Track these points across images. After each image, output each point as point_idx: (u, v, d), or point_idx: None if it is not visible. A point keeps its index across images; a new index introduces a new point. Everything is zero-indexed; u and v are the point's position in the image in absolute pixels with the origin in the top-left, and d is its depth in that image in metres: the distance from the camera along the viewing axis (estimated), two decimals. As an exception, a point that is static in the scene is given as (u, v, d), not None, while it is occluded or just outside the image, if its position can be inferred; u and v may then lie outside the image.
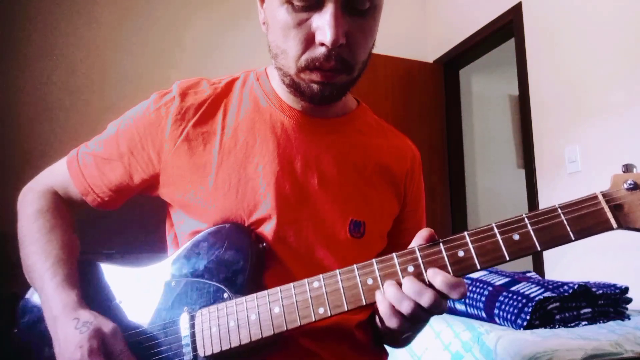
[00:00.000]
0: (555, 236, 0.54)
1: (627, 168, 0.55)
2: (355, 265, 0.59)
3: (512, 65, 2.74)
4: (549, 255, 2.37)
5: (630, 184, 0.53)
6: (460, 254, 0.56)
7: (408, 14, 3.47)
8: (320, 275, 0.60)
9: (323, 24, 0.62)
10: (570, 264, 2.23)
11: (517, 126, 3.61)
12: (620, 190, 0.54)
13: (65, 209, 0.82)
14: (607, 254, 2.04)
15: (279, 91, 0.77)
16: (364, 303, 0.58)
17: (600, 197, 0.54)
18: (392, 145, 0.84)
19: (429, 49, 3.47)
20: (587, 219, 0.53)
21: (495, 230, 0.56)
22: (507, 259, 0.55)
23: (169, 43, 2.91)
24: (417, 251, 0.57)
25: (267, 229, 0.72)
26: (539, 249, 0.54)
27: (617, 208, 0.53)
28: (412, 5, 3.51)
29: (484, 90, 3.76)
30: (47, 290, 0.70)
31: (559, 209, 0.54)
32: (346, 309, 0.58)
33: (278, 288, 0.62)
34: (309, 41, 0.65)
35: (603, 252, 2.06)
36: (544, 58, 2.48)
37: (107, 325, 0.66)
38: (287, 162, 0.74)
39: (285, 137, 0.75)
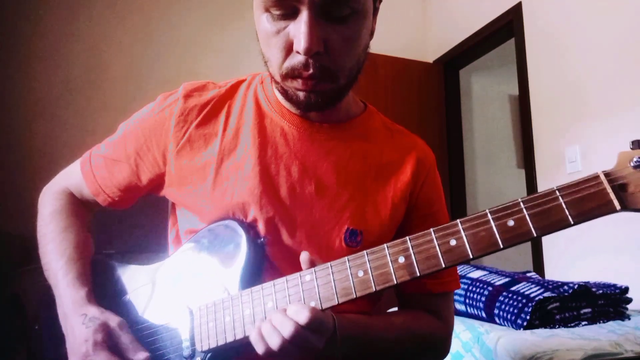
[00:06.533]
0: (553, 221, 0.50)
1: (636, 144, 0.50)
2: (346, 257, 0.59)
3: (512, 65, 2.74)
4: (549, 255, 2.37)
5: (637, 161, 0.48)
6: (452, 242, 0.54)
7: (408, 14, 3.47)
8: (313, 268, 0.60)
9: (298, 32, 0.62)
10: (571, 264, 2.23)
11: (517, 126, 3.60)
12: (625, 168, 0.49)
13: (80, 209, 0.85)
14: (607, 254, 2.04)
15: (280, 96, 0.76)
16: (355, 296, 0.57)
17: (602, 177, 0.49)
18: (397, 148, 0.82)
19: (429, 49, 3.47)
20: (587, 201, 0.49)
21: (489, 216, 0.53)
22: (501, 246, 0.52)
23: (169, 43, 2.91)
24: (409, 241, 0.56)
25: (262, 232, 0.72)
26: (535, 235, 0.51)
27: (622, 188, 0.48)
28: (412, 5, 3.52)
29: (484, 90, 3.76)
30: (60, 287, 0.73)
31: (557, 192, 0.51)
32: (337, 302, 0.58)
33: (272, 282, 0.62)
34: (289, 49, 0.65)
35: (603, 252, 2.06)
36: (544, 58, 2.48)
37: (114, 320, 0.68)
38: (285, 167, 0.74)
39: (284, 142, 0.75)
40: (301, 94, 0.67)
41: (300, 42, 0.61)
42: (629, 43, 2.02)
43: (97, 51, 2.78)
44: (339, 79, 0.68)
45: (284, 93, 0.70)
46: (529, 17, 2.59)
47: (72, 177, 0.85)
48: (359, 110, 0.83)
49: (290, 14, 0.63)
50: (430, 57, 3.44)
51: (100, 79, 2.76)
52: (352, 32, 0.66)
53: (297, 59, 0.64)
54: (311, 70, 0.64)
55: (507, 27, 2.76)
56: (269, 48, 0.66)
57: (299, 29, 0.62)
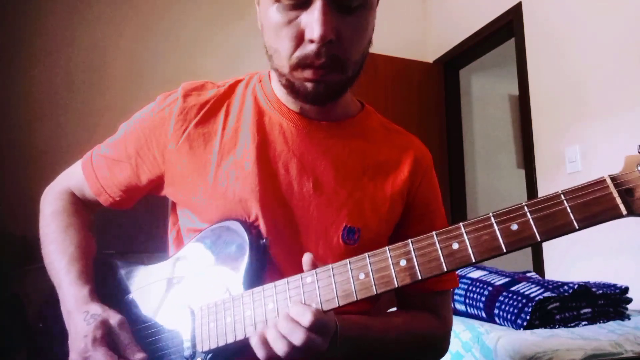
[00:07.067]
0: (557, 225, 0.49)
1: None
2: (348, 260, 0.59)
3: (512, 65, 2.73)
4: (549, 255, 2.37)
5: None
6: (455, 246, 0.53)
7: (408, 14, 3.47)
8: (314, 270, 0.60)
9: (311, 21, 0.63)
10: (571, 264, 2.23)
11: (517, 126, 3.61)
12: (633, 172, 0.48)
13: (82, 209, 0.86)
14: (607, 254, 2.04)
15: (279, 94, 0.78)
16: (355, 298, 0.57)
17: (609, 181, 0.49)
18: (394, 147, 0.82)
19: (429, 49, 3.47)
20: (593, 206, 0.48)
21: (493, 220, 0.52)
22: (505, 250, 0.51)
23: (170, 43, 2.91)
24: (410, 244, 0.56)
25: (262, 230, 0.72)
26: (539, 239, 0.50)
27: (628, 193, 0.48)
28: (412, 5, 3.52)
29: (484, 90, 3.76)
30: (63, 286, 0.74)
31: (562, 195, 0.50)
32: (338, 304, 0.58)
33: (273, 283, 0.62)
34: (300, 39, 0.65)
35: (603, 252, 2.06)
36: (544, 58, 2.48)
37: (115, 317, 0.68)
38: (283, 164, 0.74)
39: (283, 140, 0.75)
40: (309, 85, 0.68)
41: (316, 30, 0.62)
42: (629, 43, 2.02)
43: (97, 51, 2.78)
44: (347, 69, 0.69)
45: (290, 86, 0.70)
46: (529, 17, 2.59)
47: (73, 178, 0.86)
48: (357, 110, 0.84)
49: (301, 4, 0.64)
50: (430, 57, 3.43)
51: (101, 79, 2.76)
52: (361, 23, 0.68)
53: (309, 48, 0.65)
54: (323, 59, 0.65)
55: (507, 27, 2.76)
56: (278, 39, 0.67)
57: (312, 17, 0.63)
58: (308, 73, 0.67)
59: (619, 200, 0.48)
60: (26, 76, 2.61)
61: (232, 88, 0.81)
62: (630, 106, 1.99)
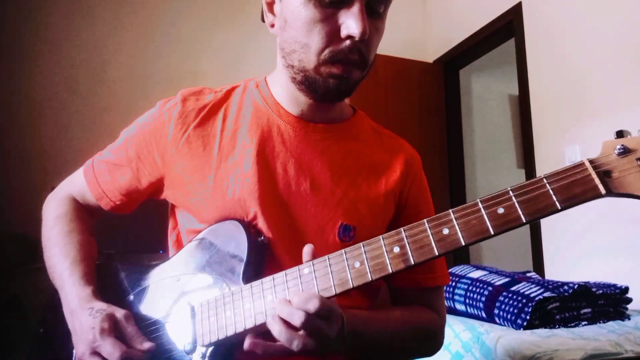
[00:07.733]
0: (540, 207, 0.53)
1: (620, 134, 0.52)
2: (343, 250, 0.60)
3: (512, 65, 2.74)
4: (549, 255, 2.37)
5: (620, 149, 0.51)
6: (445, 231, 0.56)
7: (408, 14, 3.48)
8: (312, 261, 0.62)
9: (351, 20, 0.67)
10: (570, 264, 2.23)
11: (517, 126, 3.61)
12: (610, 155, 0.52)
13: (83, 214, 0.88)
14: (607, 254, 2.04)
15: (278, 97, 0.80)
16: (351, 285, 0.59)
17: (587, 164, 0.52)
18: (386, 150, 0.85)
19: (429, 49, 3.47)
20: (573, 187, 0.52)
21: (480, 205, 0.55)
22: (492, 233, 0.54)
23: (171, 43, 2.92)
24: (403, 232, 0.58)
25: (261, 229, 0.74)
26: (524, 220, 0.53)
27: (606, 174, 0.51)
28: (412, 6, 3.52)
29: (484, 90, 3.77)
30: (66, 287, 0.76)
31: (544, 179, 0.53)
32: (334, 292, 0.59)
33: (272, 276, 0.64)
34: (334, 35, 0.68)
35: (603, 252, 2.06)
36: (544, 58, 2.48)
37: (120, 312, 0.70)
38: (281, 164, 0.77)
39: (281, 141, 0.78)
40: (332, 81, 0.71)
41: (358, 27, 0.66)
42: (629, 43, 2.02)
43: (97, 51, 2.78)
44: (366, 68, 0.73)
45: (309, 81, 0.72)
46: (529, 17, 2.59)
47: (75, 184, 0.88)
48: (350, 114, 0.87)
49: (341, 2, 0.67)
50: (430, 57, 3.44)
51: (102, 79, 2.76)
52: (382, 27, 0.73)
53: (345, 44, 0.68)
54: (357, 56, 0.69)
55: (507, 27, 2.76)
56: (311, 34, 0.69)
57: (354, 15, 0.67)
58: (337, 68, 0.69)
59: (597, 181, 0.51)
60: (26, 76, 2.61)
61: (229, 93, 0.83)
62: (630, 106, 1.99)
